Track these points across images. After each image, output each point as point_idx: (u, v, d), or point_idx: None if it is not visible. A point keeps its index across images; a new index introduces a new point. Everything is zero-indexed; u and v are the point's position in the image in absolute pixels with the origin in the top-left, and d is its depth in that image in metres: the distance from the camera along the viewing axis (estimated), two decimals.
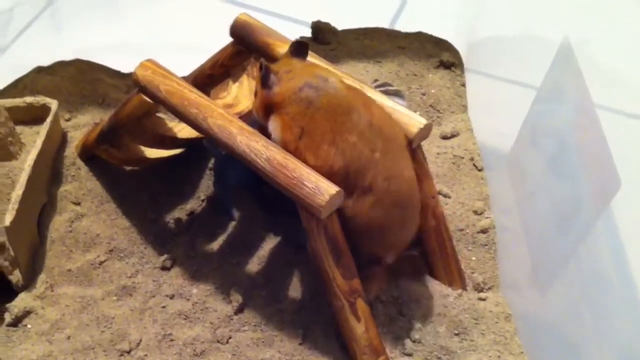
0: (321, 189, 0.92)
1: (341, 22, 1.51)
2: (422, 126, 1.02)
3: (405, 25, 1.54)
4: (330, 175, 0.95)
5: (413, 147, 1.04)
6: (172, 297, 1.14)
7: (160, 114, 1.24)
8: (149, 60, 1.10)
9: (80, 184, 1.26)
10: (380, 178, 0.97)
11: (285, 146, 0.98)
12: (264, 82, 0.99)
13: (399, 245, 1.05)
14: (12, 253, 1.11)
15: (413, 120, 1.03)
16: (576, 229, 0.95)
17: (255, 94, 1.04)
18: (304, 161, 0.96)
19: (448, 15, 1.56)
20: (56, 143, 1.30)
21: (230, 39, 1.17)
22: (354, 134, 0.96)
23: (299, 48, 1.03)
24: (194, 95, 1.03)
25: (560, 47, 1.03)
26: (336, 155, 0.96)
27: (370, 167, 0.97)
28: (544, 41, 1.24)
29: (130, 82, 1.41)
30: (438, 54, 1.46)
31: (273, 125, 1.00)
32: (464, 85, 1.41)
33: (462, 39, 1.47)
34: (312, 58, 1.09)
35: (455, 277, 1.13)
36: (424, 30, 1.51)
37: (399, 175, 0.99)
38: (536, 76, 1.20)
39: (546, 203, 1.05)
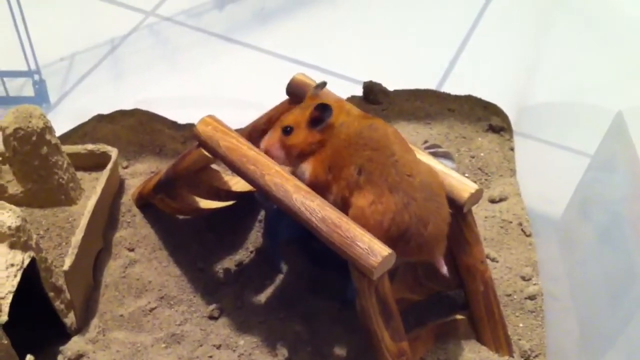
0: (374, 250, 0.93)
1: (390, 81, 1.53)
2: (473, 191, 1.03)
3: (453, 86, 1.56)
4: (356, 186, 0.98)
5: (464, 211, 1.05)
6: (219, 347, 1.15)
7: (215, 166, 1.25)
8: (210, 116, 1.12)
9: (135, 230, 1.27)
10: (403, 175, 0.97)
11: (316, 181, 1.02)
12: (319, 121, 1.01)
13: (442, 240, 1.02)
14: (68, 296, 1.13)
15: (464, 185, 1.04)
16: (628, 303, 0.94)
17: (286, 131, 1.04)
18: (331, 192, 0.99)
19: (496, 78, 1.58)
20: (114, 190, 1.31)
21: (284, 96, 1.20)
22: (367, 149, 0.98)
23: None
24: (252, 152, 1.05)
25: (614, 119, 1.04)
26: (355, 170, 0.98)
27: (391, 167, 0.97)
28: (595, 109, 1.25)
29: (186, 133, 1.45)
30: (487, 117, 1.47)
31: (307, 166, 1.03)
32: (512, 149, 1.42)
33: (511, 102, 1.48)
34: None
35: (502, 344, 1.12)
36: (471, 92, 1.52)
37: (422, 169, 1.00)
38: (586, 143, 1.22)
39: (597, 274, 1.05)
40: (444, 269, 1.01)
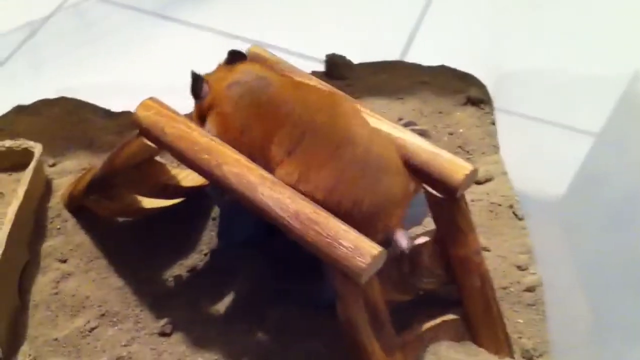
0: (361, 250, 0.83)
1: (348, 55, 1.46)
2: (468, 172, 0.93)
3: (419, 56, 1.48)
4: (288, 156, 0.92)
5: (457, 196, 0.94)
6: None
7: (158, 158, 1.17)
8: (152, 99, 1.02)
9: (66, 238, 1.20)
10: (330, 150, 0.91)
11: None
12: (195, 92, 1.00)
13: (388, 215, 0.93)
14: None
15: (456, 166, 0.93)
16: None
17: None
18: (252, 157, 0.94)
19: (464, 43, 1.51)
20: (39, 192, 1.24)
21: None
22: (287, 126, 0.93)
23: (234, 58, 1.04)
24: (205, 139, 0.95)
25: (625, 94, 0.96)
26: (276, 148, 0.93)
27: (318, 145, 0.92)
28: (577, 77, 1.18)
29: (121, 122, 1.39)
30: (464, 89, 1.40)
31: (209, 126, 0.99)
32: (493, 123, 1.35)
33: (486, 71, 1.41)
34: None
35: (501, 344, 1.03)
36: (439, 62, 1.45)
37: (358, 140, 0.93)
38: (574, 116, 1.18)
39: (605, 258, 0.99)
40: (403, 243, 0.91)
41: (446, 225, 0.96)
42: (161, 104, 1.01)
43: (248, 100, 0.96)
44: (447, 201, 0.94)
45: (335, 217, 0.86)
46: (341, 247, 0.83)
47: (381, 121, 0.98)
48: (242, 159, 0.92)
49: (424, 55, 1.47)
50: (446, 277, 1.00)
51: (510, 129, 1.33)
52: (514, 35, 1.42)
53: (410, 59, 1.48)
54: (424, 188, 0.96)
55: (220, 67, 1.04)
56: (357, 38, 1.54)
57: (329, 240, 0.84)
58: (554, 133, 1.26)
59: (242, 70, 1.00)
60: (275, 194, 0.88)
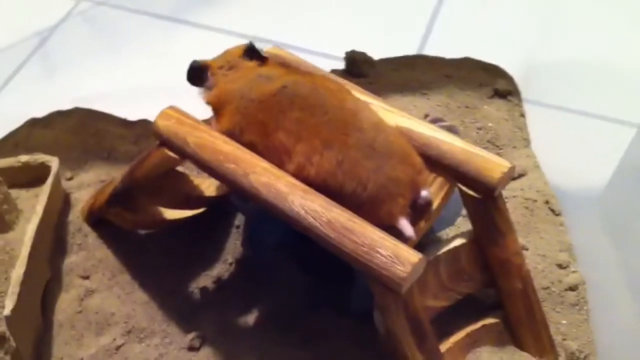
0: (400, 258, 0.78)
1: (366, 51, 1.42)
2: (505, 170, 0.89)
3: (436, 50, 1.44)
4: (287, 153, 0.90)
5: (495, 195, 0.90)
6: None
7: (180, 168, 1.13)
8: (171, 108, 0.99)
9: (88, 253, 1.17)
10: (337, 133, 0.89)
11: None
12: (194, 80, 1.01)
13: (391, 201, 0.89)
14: (13, 344, 1.00)
15: (493, 164, 0.89)
16: None
17: None
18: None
19: (482, 35, 1.47)
20: (58, 207, 1.22)
21: None
22: (295, 111, 0.91)
23: (251, 52, 1.02)
24: (230, 147, 0.91)
25: None
26: (284, 136, 0.91)
27: (323, 127, 0.89)
28: (608, 66, 1.12)
29: (139, 131, 1.37)
30: (490, 81, 1.36)
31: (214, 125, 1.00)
32: (523, 115, 1.31)
33: (506, 62, 1.37)
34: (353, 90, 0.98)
35: (545, 347, 0.98)
36: (461, 53, 1.40)
37: (361, 127, 0.91)
38: (608, 106, 1.14)
39: None
40: (408, 231, 0.87)
41: (483, 225, 0.92)
42: (181, 113, 0.98)
43: (247, 99, 0.94)
44: (484, 201, 0.90)
45: (373, 226, 0.82)
46: (379, 256, 0.79)
47: (409, 119, 0.94)
48: (270, 167, 0.88)
49: (443, 47, 1.43)
50: (485, 279, 0.96)
51: (540, 121, 1.29)
52: (537, 20, 1.37)
53: (429, 51, 1.44)
54: (459, 188, 0.92)
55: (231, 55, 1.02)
56: (372, 33, 1.51)
57: (365, 248, 0.79)
58: (587, 124, 1.22)
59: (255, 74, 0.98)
60: (307, 202, 0.84)
